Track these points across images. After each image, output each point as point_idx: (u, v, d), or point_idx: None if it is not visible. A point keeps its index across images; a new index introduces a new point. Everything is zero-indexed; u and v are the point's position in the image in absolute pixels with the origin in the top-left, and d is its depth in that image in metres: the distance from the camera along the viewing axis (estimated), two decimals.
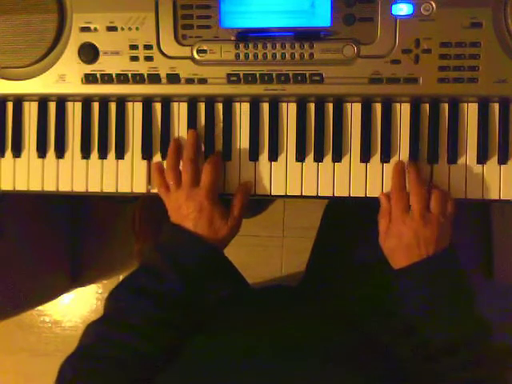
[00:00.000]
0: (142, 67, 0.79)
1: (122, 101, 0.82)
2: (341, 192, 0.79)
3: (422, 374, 0.68)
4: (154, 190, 0.81)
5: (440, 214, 0.72)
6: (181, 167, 0.78)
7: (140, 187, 0.82)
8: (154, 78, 0.79)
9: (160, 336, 0.70)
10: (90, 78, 0.80)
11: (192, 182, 0.75)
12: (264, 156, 0.80)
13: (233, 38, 0.77)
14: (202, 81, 0.78)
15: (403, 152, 0.78)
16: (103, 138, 0.82)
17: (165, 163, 0.80)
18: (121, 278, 0.87)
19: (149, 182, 0.82)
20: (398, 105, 0.78)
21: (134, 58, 0.79)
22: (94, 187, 0.83)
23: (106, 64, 0.79)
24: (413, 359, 0.70)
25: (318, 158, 0.79)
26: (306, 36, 0.76)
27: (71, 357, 0.68)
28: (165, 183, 0.78)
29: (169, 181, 0.77)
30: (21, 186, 0.83)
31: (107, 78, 0.79)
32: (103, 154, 0.82)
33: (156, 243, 0.76)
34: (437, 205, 0.72)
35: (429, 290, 0.71)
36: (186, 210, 0.75)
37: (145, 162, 0.82)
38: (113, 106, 0.82)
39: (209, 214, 0.75)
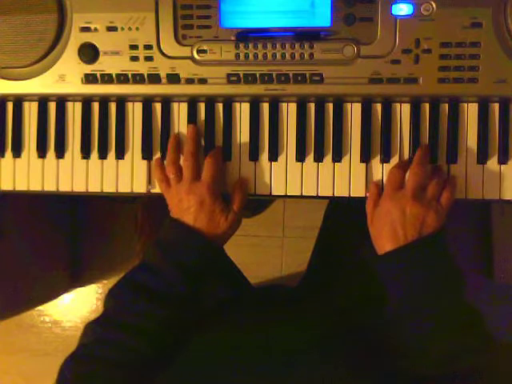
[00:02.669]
0: (142, 67, 0.79)
1: (122, 101, 0.82)
2: (341, 192, 0.79)
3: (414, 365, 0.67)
4: (154, 190, 0.81)
5: (433, 197, 0.71)
6: (181, 162, 0.78)
7: (140, 187, 0.82)
8: (154, 78, 0.79)
9: (158, 335, 0.69)
10: (89, 78, 0.80)
11: (193, 175, 0.75)
12: (264, 156, 0.80)
13: (233, 38, 0.77)
14: (202, 81, 0.78)
15: (403, 152, 0.78)
16: (103, 138, 0.82)
17: (165, 162, 0.80)
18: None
19: (149, 181, 0.82)
20: (398, 105, 0.78)
21: (134, 58, 0.79)
22: (94, 187, 0.83)
23: (106, 64, 0.79)
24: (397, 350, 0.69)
25: (318, 158, 0.79)
26: (306, 36, 0.76)
27: (71, 357, 0.67)
28: (165, 178, 0.78)
29: (169, 175, 0.77)
30: (21, 186, 0.83)
31: (107, 78, 0.79)
32: (103, 154, 0.82)
33: (156, 238, 0.75)
34: (432, 188, 0.72)
35: (410, 277, 0.69)
36: (187, 204, 0.75)
37: (145, 162, 0.82)
38: (113, 106, 0.82)
39: (209, 208, 0.74)
